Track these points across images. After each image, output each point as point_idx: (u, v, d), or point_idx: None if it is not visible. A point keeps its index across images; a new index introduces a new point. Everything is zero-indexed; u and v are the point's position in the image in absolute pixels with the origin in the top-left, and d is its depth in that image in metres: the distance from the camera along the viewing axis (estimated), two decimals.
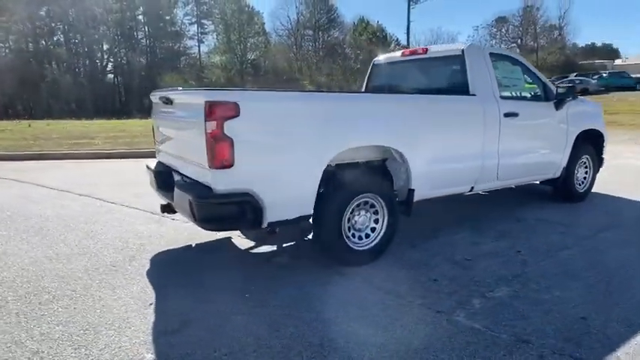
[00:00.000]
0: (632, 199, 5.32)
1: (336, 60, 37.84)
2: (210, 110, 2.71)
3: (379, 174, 3.54)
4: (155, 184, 3.75)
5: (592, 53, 66.11)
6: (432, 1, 78.20)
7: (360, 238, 3.40)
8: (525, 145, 4.46)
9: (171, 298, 2.97)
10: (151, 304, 2.88)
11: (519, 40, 56.96)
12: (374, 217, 3.46)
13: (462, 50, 4.12)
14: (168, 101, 3.35)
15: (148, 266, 3.50)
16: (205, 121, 2.74)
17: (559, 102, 4.64)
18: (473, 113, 3.94)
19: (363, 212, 3.39)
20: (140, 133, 12.87)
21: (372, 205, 3.43)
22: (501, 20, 57.60)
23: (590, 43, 67.98)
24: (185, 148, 3.24)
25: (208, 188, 2.86)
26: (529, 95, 4.62)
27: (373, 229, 3.47)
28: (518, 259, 3.54)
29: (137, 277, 3.30)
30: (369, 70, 5.26)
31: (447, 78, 4.37)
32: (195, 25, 48.93)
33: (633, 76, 32.01)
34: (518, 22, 57.11)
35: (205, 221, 2.89)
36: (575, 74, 34.00)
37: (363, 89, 5.33)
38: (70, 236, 4.23)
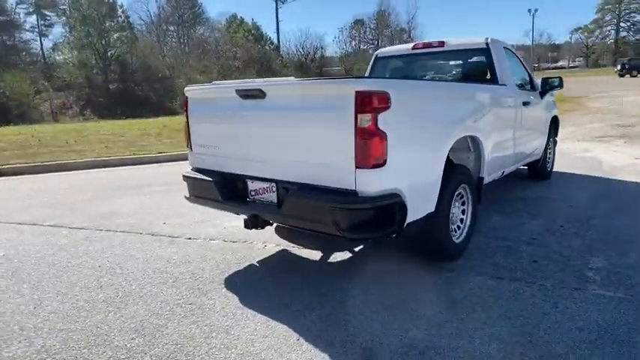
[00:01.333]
0: (575, 173, 6.26)
1: (211, 57, 36.20)
2: (364, 102, 2.36)
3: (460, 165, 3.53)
4: (220, 195, 3.12)
5: None
6: (298, 2, 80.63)
7: (454, 230, 3.35)
8: (531, 130, 4.92)
9: (306, 327, 2.52)
10: (298, 339, 2.40)
11: (376, 42, 62.17)
12: (461, 207, 3.45)
13: (487, 43, 4.34)
14: (255, 95, 2.81)
15: (236, 297, 2.91)
16: (357, 114, 2.38)
17: (543, 92, 5.23)
18: (511, 102, 4.21)
19: (456, 204, 3.34)
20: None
21: (461, 196, 3.41)
22: (359, 23, 62.13)
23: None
24: (292, 148, 2.75)
25: (348, 192, 2.49)
26: (526, 86, 5.10)
27: (462, 220, 3.45)
28: (571, 232, 3.88)
29: (238, 311, 2.72)
30: (371, 63, 5.18)
31: (472, 70, 4.54)
32: (35, 16, 41.87)
33: None
34: (374, 25, 62.36)
35: (353, 230, 2.50)
36: None
37: (367, 73, 5.23)
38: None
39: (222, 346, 2.35)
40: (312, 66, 44.71)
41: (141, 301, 2.90)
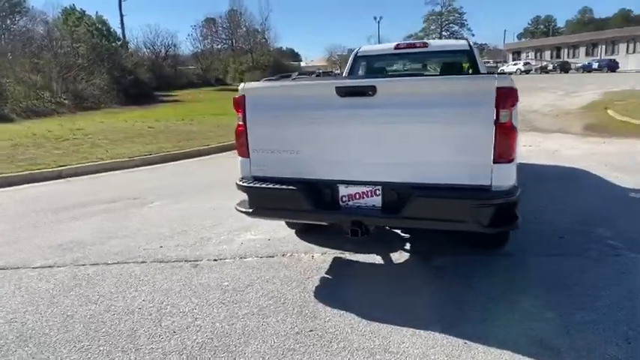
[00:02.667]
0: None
1: (46, 54, 30.81)
2: (505, 98, 2.40)
3: None
4: (309, 204, 2.78)
5: (290, 55, 79.09)
6: None
7: None
8: None
9: (458, 329, 2.47)
10: (465, 342, 2.33)
11: (230, 42, 61.23)
12: None
13: (470, 45, 4.76)
14: (362, 92, 2.59)
15: (351, 313, 2.65)
16: (498, 109, 2.40)
17: None
18: None
19: None
20: None
21: None
22: (210, 21, 60.37)
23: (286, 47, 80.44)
24: (407, 148, 2.60)
25: (481, 188, 2.51)
26: None
27: None
28: (571, 210, 4.48)
29: (372, 328, 2.50)
30: (351, 61, 5.18)
31: (457, 69, 4.90)
32: None
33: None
34: (227, 25, 61.30)
35: (494, 224, 2.52)
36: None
37: (346, 72, 5.20)
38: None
39: None
40: (164, 64, 41.83)
41: (253, 340, 2.42)
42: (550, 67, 41.26)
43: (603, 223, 4.05)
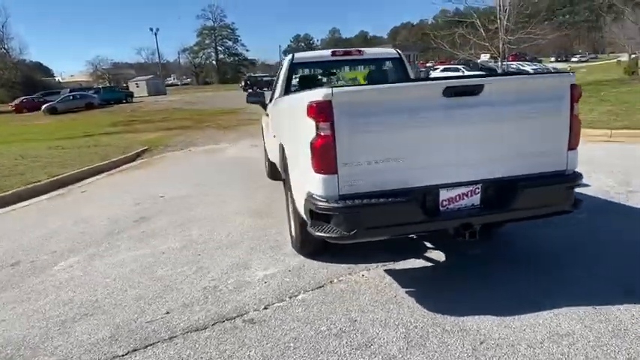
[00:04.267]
0: None
1: None
2: (577, 92, 2.79)
3: None
4: (422, 214, 2.57)
5: (39, 70, 66.93)
6: None
7: None
8: None
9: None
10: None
11: None
12: None
13: (399, 53, 5.17)
14: (469, 91, 2.56)
15: (476, 317, 2.60)
16: (573, 103, 2.78)
17: None
18: None
19: None
20: None
21: None
22: None
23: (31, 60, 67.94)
24: (504, 143, 2.70)
25: (558, 173, 2.85)
26: None
27: None
28: None
29: (516, 323, 2.52)
30: (286, 68, 4.91)
31: (393, 74, 5.20)
32: None
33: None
34: None
35: (575, 205, 2.88)
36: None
37: (281, 85, 4.90)
38: None
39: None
40: None
41: None
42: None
43: None
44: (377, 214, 2.59)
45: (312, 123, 2.57)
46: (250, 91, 6.34)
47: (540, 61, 45.84)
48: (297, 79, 5.23)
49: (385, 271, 3.32)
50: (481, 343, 2.34)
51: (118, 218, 5.28)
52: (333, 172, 2.56)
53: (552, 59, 56.02)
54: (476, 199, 2.78)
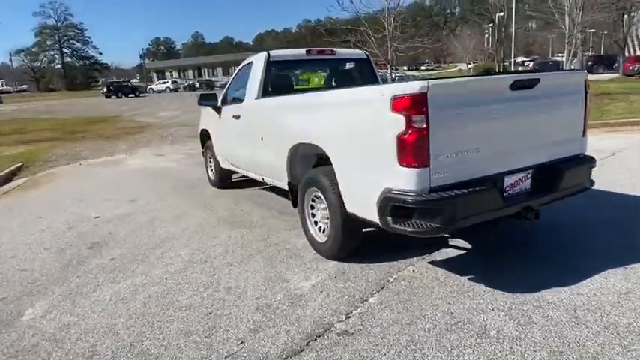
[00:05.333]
0: None
1: None
2: (588, 86, 3.25)
3: None
4: (501, 200, 2.69)
5: None
6: None
7: None
8: None
9: None
10: None
11: None
12: None
13: (367, 54, 5.30)
14: (529, 85, 2.79)
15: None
16: (586, 95, 3.23)
17: None
18: None
19: None
20: None
21: None
22: None
23: None
24: (549, 132, 3.03)
25: (575, 157, 3.28)
26: None
27: None
28: None
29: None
30: (263, 66, 4.63)
31: (363, 74, 5.23)
32: None
33: None
34: None
35: (592, 183, 3.36)
36: None
37: (259, 85, 4.60)
38: None
39: None
40: None
41: None
42: (197, 84, 45.32)
43: None
44: (468, 204, 2.63)
45: (399, 117, 2.50)
46: (202, 92, 5.78)
47: (397, 69, 51.17)
48: None
49: (429, 263, 3.37)
50: (574, 310, 2.56)
51: (61, 247, 4.33)
52: (426, 166, 2.52)
53: (405, 67, 62.92)
54: (527, 184, 3.03)
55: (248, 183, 6.37)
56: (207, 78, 51.12)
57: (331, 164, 3.22)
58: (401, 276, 3.18)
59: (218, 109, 5.63)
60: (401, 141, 2.51)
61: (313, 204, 3.67)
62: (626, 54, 27.47)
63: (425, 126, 2.47)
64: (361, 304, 2.81)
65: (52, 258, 4.06)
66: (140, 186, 6.98)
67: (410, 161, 2.52)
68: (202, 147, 6.90)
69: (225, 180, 6.30)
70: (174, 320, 2.79)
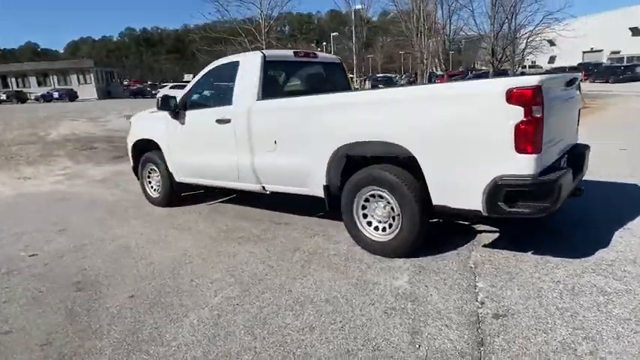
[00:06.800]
0: None
1: None
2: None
3: None
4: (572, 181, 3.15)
5: None
6: None
7: None
8: None
9: None
10: None
11: None
12: None
13: (340, 59, 5.39)
14: (572, 82, 3.35)
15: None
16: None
17: None
18: None
19: None
20: None
21: None
22: None
23: None
24: (572, 122, 3.65)
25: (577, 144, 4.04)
26: None
27: None
28: None
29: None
30: (261, 65, 4.29)
31: (334, 80, 5.20)
32: None
33: None
34: None
35: None
36: None
37: (257, 86, 4.26)
38: None
39: None
40: None
41: None
42: (4, 97, 37.37)
43: None
44: (566, 185, 3.00)
45: (516, 107, 2.73)
46: (164, 96, 4.92)
47: None
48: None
49: (484, 247, 3.64)
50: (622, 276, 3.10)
51: (34, 297, 3.25)
52: (539, 152, 2.80)
53: None
54: (566, 165, 3.59)
55: (203, 197, 5.75)
56: (16, 89, 42.20)
57: (379, 162, 3.42)
58: (476, 262, 3.37)
59: (177, 115, 4.96)
60: (519, 130, 2.73)
61: (366, 204, 3.60)
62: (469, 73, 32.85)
63: (541, 115, 2.75)
64: (478, 290, 2.91)
65: (43, 315, 3.00)
66: (50, 213, 5.59)
67: (527, 148, 2.76)
68: (134, 162, 5.91)
69: (176, 196, 5.54)
70: (330, 341, 2.43)
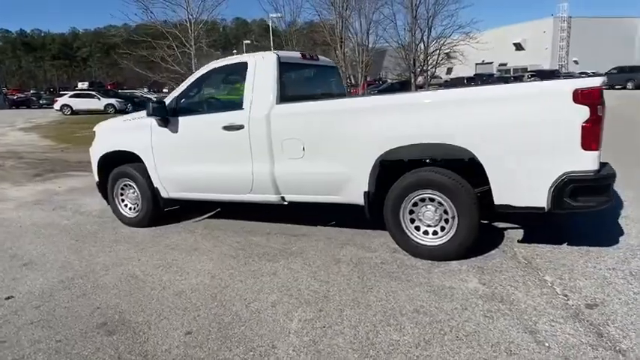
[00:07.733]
0: None
1: None
2: None
3: None
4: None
5: None
6: None
7: None
8: None
9: None
10: None
11: None
12: None
13: (335, 63, 5.28)
14: None
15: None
16: None
17: None
18: None
19: None
20: None
21: None
22: None
23: None
24: None
25: None
26: None
27: None
28: None
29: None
30: (276, 67, 4.00)
31: (332, 83, 5.07)
32: None
33: None
34: None
35: None
36: None
37: (273, 87, 3.97)
38: None
39: None
40: None
41: None
42: None
43: None
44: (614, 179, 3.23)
45: (583, 107, 2.88)
46: (157, 100, 4.30)
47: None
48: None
49: (520, 242, 3.77)
50: None
51: (53, 347, 2.60)
52: (599, 149, 2.99)
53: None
54: None
55: (179, 215, 5.14)
56: None
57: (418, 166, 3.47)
58: (526, 257, 3.47)
59: (166, 122, 4.42)
60: (586, 128, 2.89)
61: (414, 208, 3.53)
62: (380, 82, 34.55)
63: (601, 114, 2.94)
64: (551, 284, 2.99)
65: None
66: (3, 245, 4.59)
67: (592, 145, 2.92)
68: (99, 178, 5.14)
69: (158, 214, 4.92)
70: (457, 352, 2.28)
